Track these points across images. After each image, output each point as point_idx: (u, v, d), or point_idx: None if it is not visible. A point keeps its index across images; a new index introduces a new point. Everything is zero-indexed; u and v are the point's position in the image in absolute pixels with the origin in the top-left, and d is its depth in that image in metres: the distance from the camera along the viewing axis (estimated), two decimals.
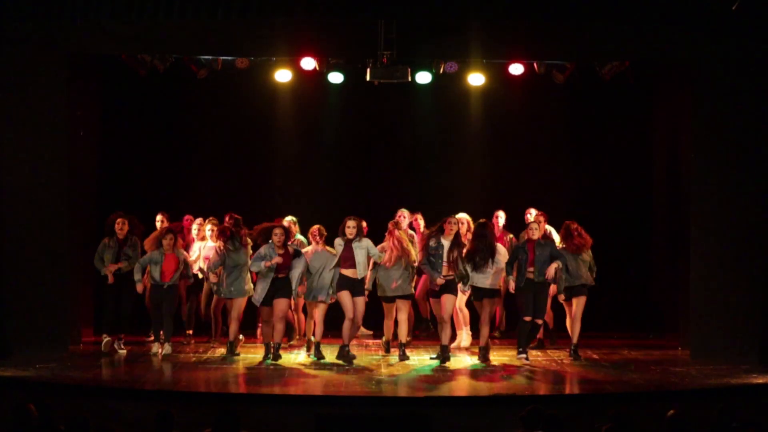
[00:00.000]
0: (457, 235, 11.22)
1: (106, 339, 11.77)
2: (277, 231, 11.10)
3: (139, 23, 11.27)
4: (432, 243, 11.16)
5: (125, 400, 9.38)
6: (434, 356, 11.40)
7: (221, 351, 11.87)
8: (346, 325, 11.16)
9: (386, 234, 11.43)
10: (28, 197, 11.57)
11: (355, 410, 9.21)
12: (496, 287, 11.48)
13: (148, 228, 12.42)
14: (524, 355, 11.19)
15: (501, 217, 12.63)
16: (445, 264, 11.13)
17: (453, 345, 11.85)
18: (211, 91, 13.81)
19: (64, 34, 11.50)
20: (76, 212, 12.35)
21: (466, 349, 12.16)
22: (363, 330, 12.96)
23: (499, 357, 11.66)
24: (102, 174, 13.60)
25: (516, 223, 12.69)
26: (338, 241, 11.21)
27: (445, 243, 11.14)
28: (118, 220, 11.80)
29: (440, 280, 11.14)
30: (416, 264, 11.40)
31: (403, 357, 11.42)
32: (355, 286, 11.15)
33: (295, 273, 11.20)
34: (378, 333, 12.42)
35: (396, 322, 11.60)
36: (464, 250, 11.23)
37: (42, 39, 11.45)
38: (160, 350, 11.64)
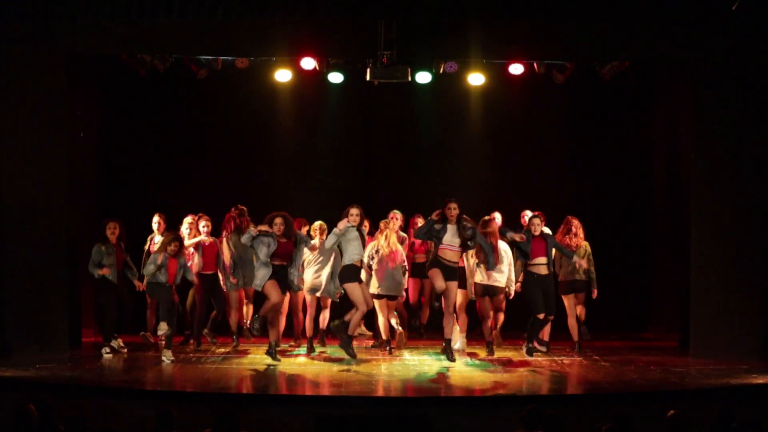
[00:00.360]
0: (460, 218, 11.18)
1: (106, 352, 11.70)
2: (277, 220, 11.10)
3: (139, 23, 11.27)
4: (437, 226, 11.17)
5: (125, 400, 9.39)
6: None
7: (221, 350, 11.94)
8: (357, 317, 11.20)
9: (377, 233, 11.76)
10: (27, 197, 11.55)
11: (355, 410, 9.21)
12: (503, 284, 11.61)
13: (143, 229, 12.42)
14: (541, 348, 11.44)
15: (497, 219, 12.61)
16: (454, 249, 11.15)
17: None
18: (211, 91, 13.80)
19: (64, 34, 11.49)
20: (76, 212, 12.34)
21: (463, 350, 12.15)
22: (364, 330, 12.96)
23: (499, 356, 11.68)
24: (102, 174, 13.59)
25: (514, 224, 12.68)
26: (351, 229, 11.20)
27: (450, 228, 11.15)
28: (110, 224, 11.79)
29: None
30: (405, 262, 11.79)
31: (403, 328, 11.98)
32: (358, 275, 11.24)
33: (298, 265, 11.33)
34: (377, 333, 12.41)
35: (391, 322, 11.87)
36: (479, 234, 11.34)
37: (42, 39, 11.44)
38: (152, 339, 11.91)
